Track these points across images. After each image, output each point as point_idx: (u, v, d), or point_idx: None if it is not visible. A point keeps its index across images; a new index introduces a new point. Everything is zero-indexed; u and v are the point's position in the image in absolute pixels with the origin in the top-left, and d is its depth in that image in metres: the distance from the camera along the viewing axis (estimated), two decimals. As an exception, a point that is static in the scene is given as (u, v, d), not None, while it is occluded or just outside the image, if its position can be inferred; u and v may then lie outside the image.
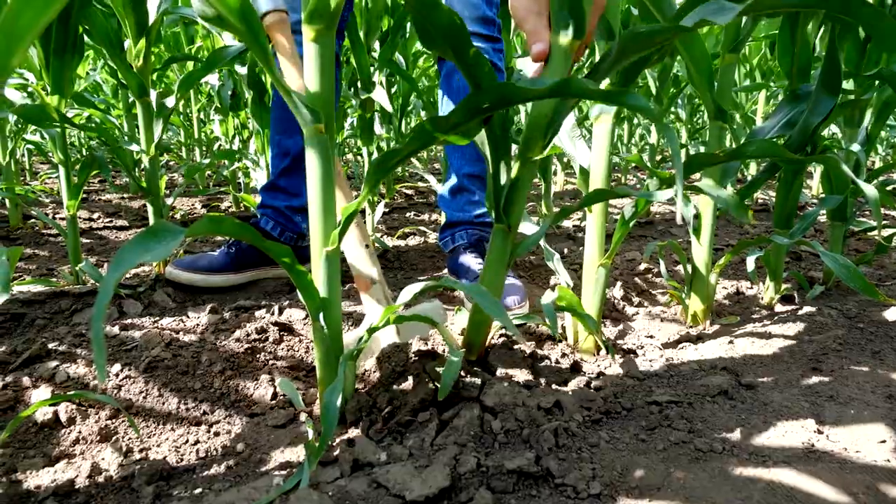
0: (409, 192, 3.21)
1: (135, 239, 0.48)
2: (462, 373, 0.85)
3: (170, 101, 1.40)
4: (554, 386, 0.89)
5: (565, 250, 1.84)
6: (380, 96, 1.84)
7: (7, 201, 2.16)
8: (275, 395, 0.90)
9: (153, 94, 1.41)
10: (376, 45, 2.13)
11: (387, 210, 2.60)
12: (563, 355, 1.02)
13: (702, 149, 3.82)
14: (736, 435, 0.75)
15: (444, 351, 0.92)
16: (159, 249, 0.49)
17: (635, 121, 3.90)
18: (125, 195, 2.87)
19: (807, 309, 1.27)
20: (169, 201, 1.52)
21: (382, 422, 0.73)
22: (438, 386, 0.81)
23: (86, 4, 1.23)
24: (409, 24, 2.42)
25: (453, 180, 1.50)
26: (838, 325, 1.16)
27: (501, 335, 1.04)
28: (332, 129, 0.73)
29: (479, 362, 0.94)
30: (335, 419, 0.65)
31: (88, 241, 1.98)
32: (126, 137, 2.59)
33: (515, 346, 1.01)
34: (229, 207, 2.67)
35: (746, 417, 0.80)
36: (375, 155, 2.24)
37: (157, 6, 1.37)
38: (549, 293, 0.96)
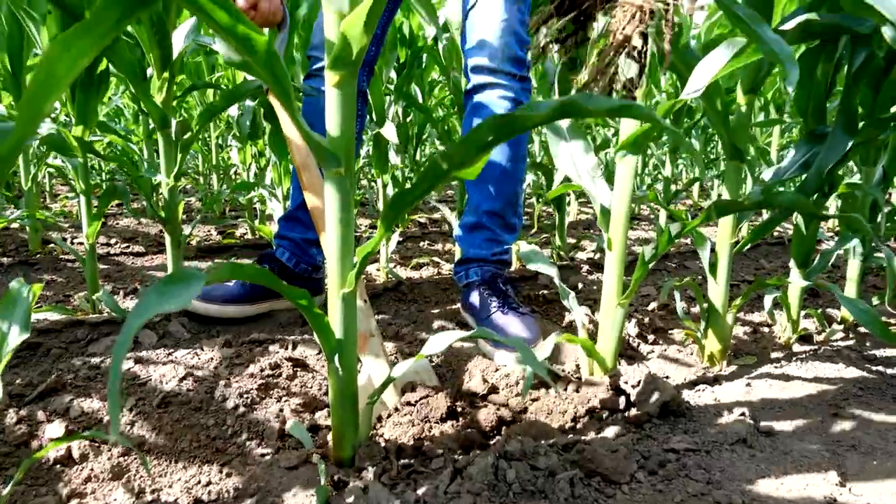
0: (423, 220, 3.22)
1: (156, 287, 0.49)
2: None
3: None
4: (568, 432, 0.88)
5: (580, 284, 1.83)
6: (388, 132, 1.86)
7: (27, 227, 2.19)
8: (287, 435, 0.89)
9: (174, 124, 1.43)
10: (392, 74, 2.16)
11: (400, 239, 2.61)
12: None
13: (716, 182, 3.82)
14: (756, 486, 0.74)
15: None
16: (181, 298, 0.49)
17: (649, 152, 3.90)
18: (142, 220, 2.91)
19: (825, 350, 1.25)
20: (186, 230, 1.53)
21: (396, 469, 0.73)
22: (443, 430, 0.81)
23: (114, 42, 1.26)
24: (424, 55, 2.45)
25: (472, 217, 1.50)
26: (858, 368, 1.14)
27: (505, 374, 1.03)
28: (352, 171, 0.74)
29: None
30: None
31: (105, 266, 2.00)
32: (146, 164, 2.62)
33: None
34: (244, 234, 2.69)
35: (766, 468, 0.79)
36: (390, 185, 2.25)
37: (181, 40, 1.39)
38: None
